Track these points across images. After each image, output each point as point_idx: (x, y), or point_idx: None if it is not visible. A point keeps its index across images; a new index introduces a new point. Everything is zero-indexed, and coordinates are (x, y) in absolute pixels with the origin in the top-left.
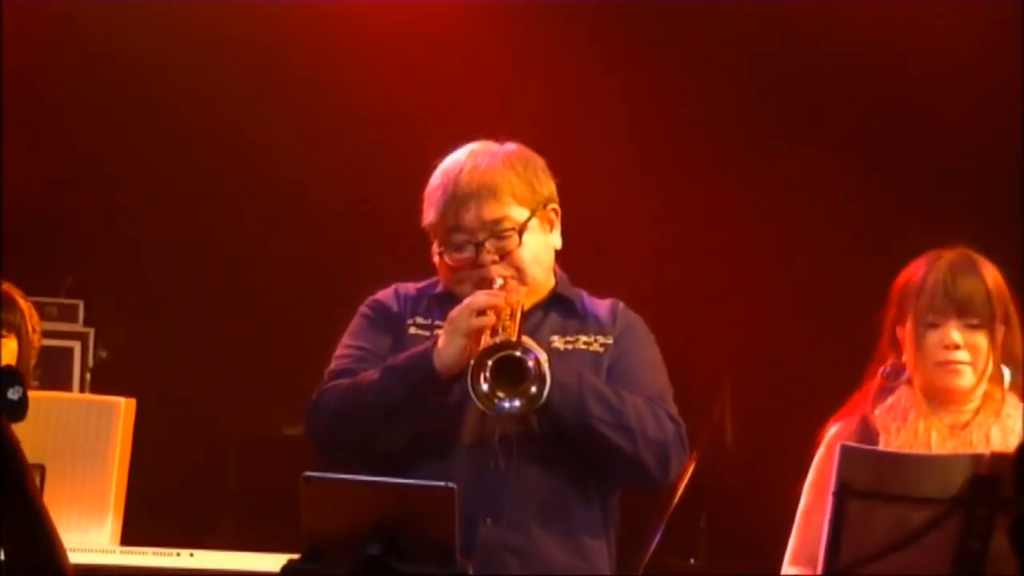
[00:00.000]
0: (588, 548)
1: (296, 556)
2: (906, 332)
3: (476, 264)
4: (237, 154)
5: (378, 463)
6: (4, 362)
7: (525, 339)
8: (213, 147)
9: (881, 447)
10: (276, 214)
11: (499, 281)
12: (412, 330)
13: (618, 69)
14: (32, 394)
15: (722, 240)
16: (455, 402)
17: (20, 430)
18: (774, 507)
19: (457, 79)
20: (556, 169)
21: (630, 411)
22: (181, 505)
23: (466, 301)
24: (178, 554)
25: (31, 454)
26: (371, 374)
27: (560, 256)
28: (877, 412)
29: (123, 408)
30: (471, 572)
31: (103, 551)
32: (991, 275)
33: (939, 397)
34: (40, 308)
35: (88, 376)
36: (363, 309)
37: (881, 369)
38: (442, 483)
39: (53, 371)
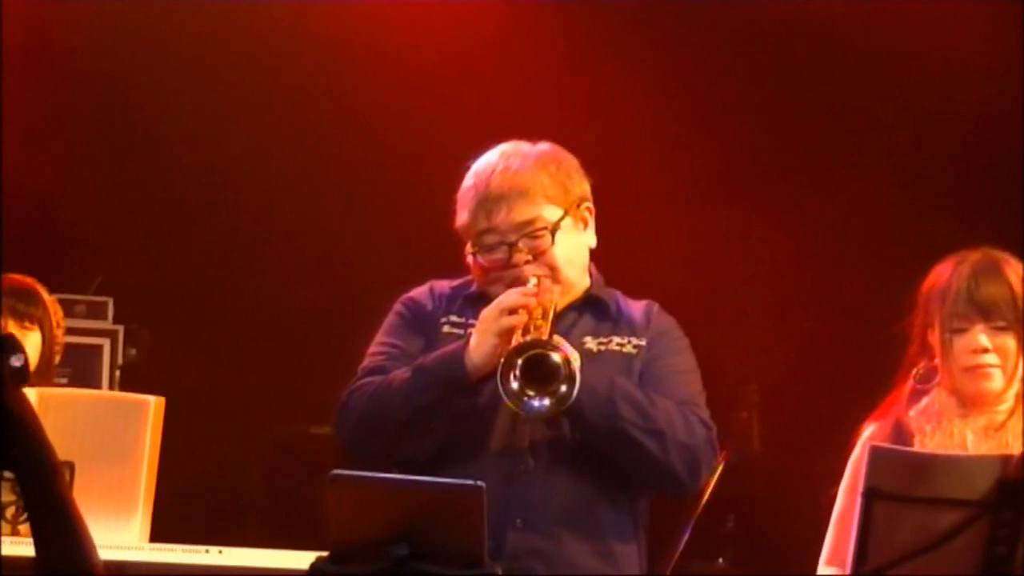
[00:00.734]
0: (617, 553)
1: (324, 555)
2: (934, 337)
3: (509, 265)
4: (268, 153)
5: (407, 465)
6: (30, 355)
7: (556, 338)
8: (243, 146)
9: (916, 448)
10: (307, 212)
11: (532, 281)
12: (445, 328)
13: (656, 72)
14: (62, 392)
15: (752, 244)
16: (485, 405)
17: (50, 428)
18: (801, 510)
19: (493, 80)
20: (591, 170)
21: (661, 415)
22: (210, 503)
23: (497, 300)
24: (207, 551)
25: (61, 452)
26: (402, 373)
27: (594, 256)
28: (912, 414)
29: (152, 406)
30: (500, 574)
31: (132, 548)
32: (1016, 276)
33: (970, 401)
34: (69, 306)
35: (117, 374)
36: (397, 307)
37: (913, 372)
38: (470, 482)
39: (82, 369)
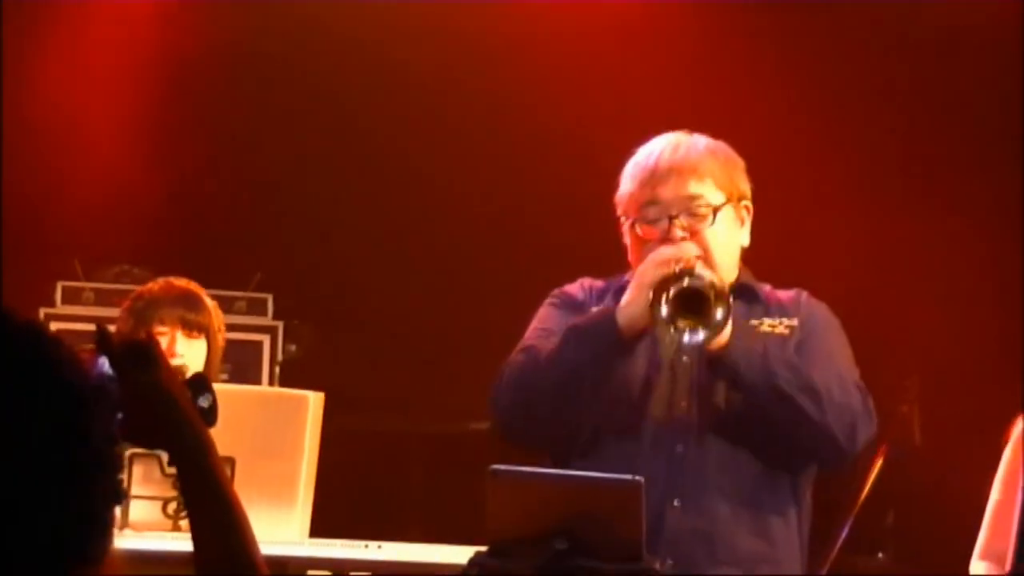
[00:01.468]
0: (776, 533)
1: (482, 550)
2: None
3: (666, 239)
4: (426, 152)
5: (563, 447)
6: (193, 362)
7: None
8: (399, 144)
9: None
10: (463, 212)
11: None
12: None
13: (813, 63)
14: (222, 388)
15: (913, 236)
16: (641, 384)
17: None
18: (962, 505)
19: (646, 77)
20: (748, 169)
21: (817, 376)
22: (369, 498)
23: (651, 255)
24: (366, 546)
25: (221, 448)
26: (555, 341)
27: (750, 257)
28: None
29: (312, 402)
30: (658, 568)
31: (292, 543)
32: None
33: None
34: (229, 302)
35: (277, 370)
36: (549, 299)
37: None
38: (628, 476)
39: (243, 365)
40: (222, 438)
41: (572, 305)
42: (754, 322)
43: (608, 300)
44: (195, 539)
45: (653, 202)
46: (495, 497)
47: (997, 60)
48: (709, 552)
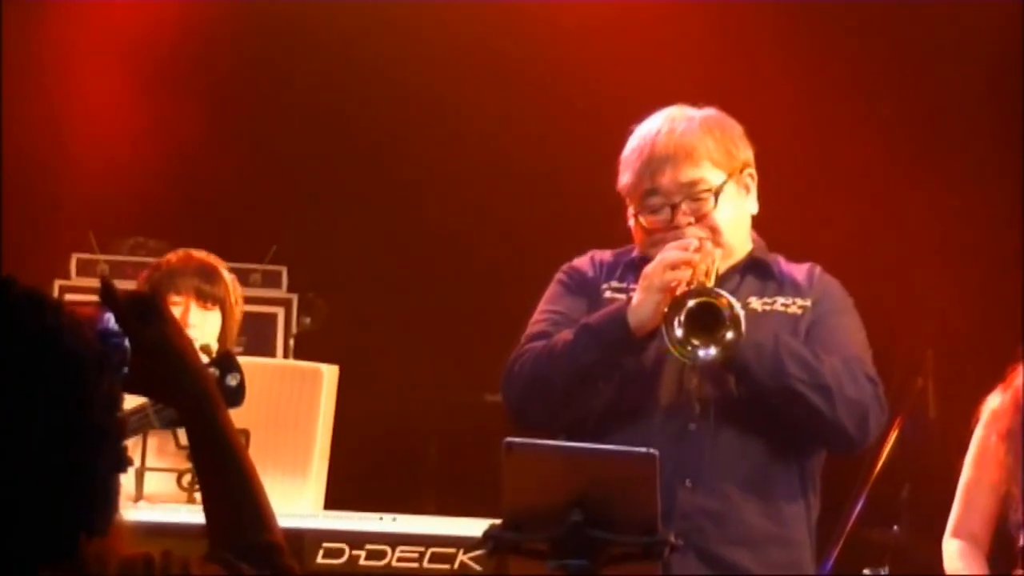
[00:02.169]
0: (786, 514)
1: (497, 522)
2: None
3: (671, 226)
4: (438, 125)
5: (576, 429)
6: (206, 334)
7: (718, 290)
8: (414, 118)
9: None
10: (475, 183)
11: (694, 243)
12: (607, 294)
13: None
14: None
15: (927, 210)
16: (651, 365)
17: None
18: None
19: (658, 47)
20: (755, 137)
21: (827, 371)
22: (384, 471)
23: (660, 256)
24: (381, 518)
25: (236, 420)
26: (565, 335)
27: (761, 225)
28: None
29: (327, 374)
30: (673, 541)
31: (307, 516)
32: None
33: None
34: (244, 275)
35: (292, 343)
36: (559, 275)
37: None
38: (643, 450)
39: (257, 337)
40: (236, 411)
41: (582, 282)
42: (767, 300)
43: (617, 274)
44: (204, 494)
45: (653, 191)
46: (510, 470)
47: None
48: (720, 532)
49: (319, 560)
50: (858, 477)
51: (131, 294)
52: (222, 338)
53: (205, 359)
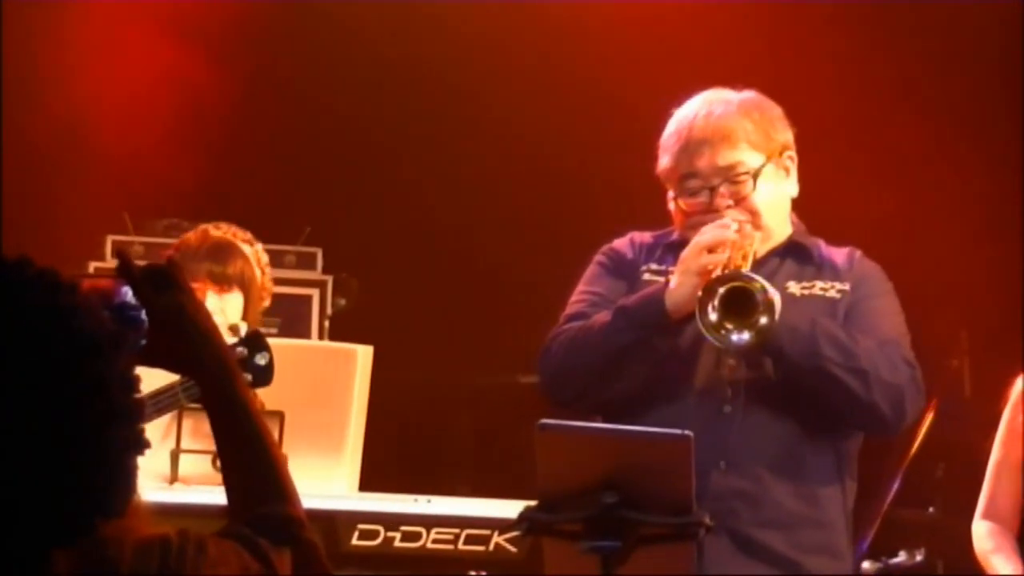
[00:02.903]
0: (820, 496)
1: (532, 503)
2: None
3: (710, 209)
4: (471, 107)
5: (611, 410)
6: (230, 317)
7: (752, 274)
8: (446, 102)
9: None
10: (511, 162)
11: (733, 225)
12: (646, 276)
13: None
14: (271, 342)
15: (963, 191)
16: (688, 347)
17: None
18: None
19: (698, 29)
20: (797, 119)
21: (863, 354)
22: (418, 452)
23: (696, 239)
24: (415, 500)
25: (270, 401)
26: (603, 316)
27: (798, 209)
28: None
29: (361, 355)
30: (707, 522)
31: (341, 497)
32: None
33: None
34: (279, 256)
35: (327, 324)
36: (598, 257)
37: None
38: (678, 431)
39: (292, 319)
40: (271, 392)
41: (621, 264)
42: (805, 284)
43: (656, 256)
44: (223, 465)
45: (692, 175)
46: (544, 451)
47: None
48: (753, 514)
49: (354, 542)
50: (893, 458)
51: (148, 265)
52: (246, 316)
53: (233, 339)
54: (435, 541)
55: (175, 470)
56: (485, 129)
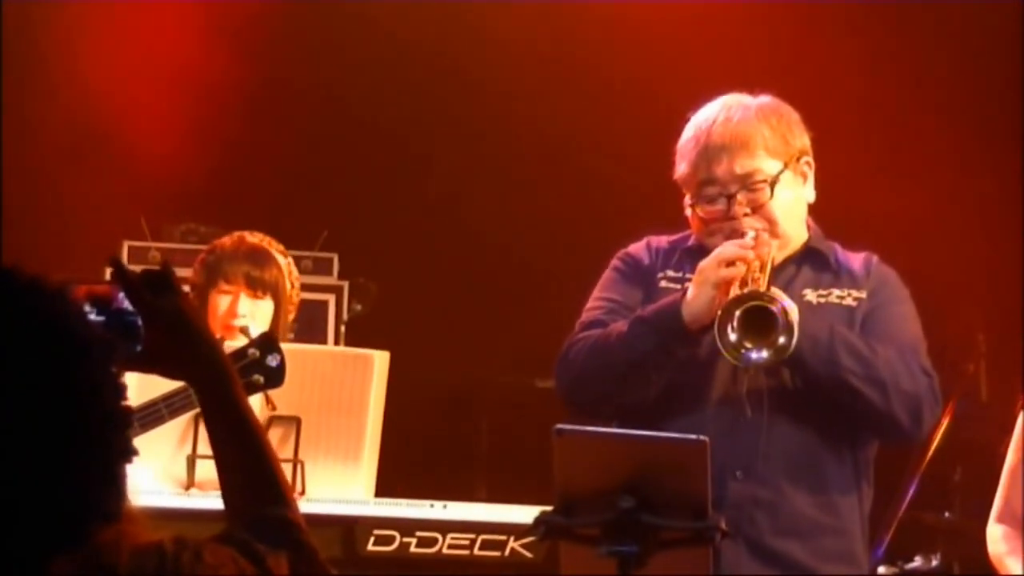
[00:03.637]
0: (838, 504)
1: (548, 508)
2: None
3: (728, 216)
4: (491, 110)
5: (628, 417)
6: (258, 324)
7: (774, 290)
8: (463, 104)
9: None
10: (527, 168)
11: (751, 233)
12: (663, 283)
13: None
14: (287, 347)
15: (977, 194)
16: (705, 355)
17: None
18: None
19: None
20: (812, 125)
21: (882, 363)
22: (434, 458)
23: (715, 252)
24: (431, 505)
25: (287, 407)
26: (620, 326)
27: (815, 210)
28: None
29: (378, 361)
30: (724, 527)
31: (358, 502)
32: None
33: None
34: (295, 261)
35: (343, 329)
36: (615, 262)
37: None
38: (694, 436)
39: (308, 324)
40: (288, 398)
41: (638, 270)
42: (822, 292)
43: (674, 263)
44: (220, 468)
45: (709, 182)
46: (561, 456)
47: None
48: (771, 522)
49: (370, 547)
50: (910, 462)
51: (145, 270)
52: (274, 325)
53: (245, 340)
54: (451, 546)
55: (191, 475)
56: (505, 132)
